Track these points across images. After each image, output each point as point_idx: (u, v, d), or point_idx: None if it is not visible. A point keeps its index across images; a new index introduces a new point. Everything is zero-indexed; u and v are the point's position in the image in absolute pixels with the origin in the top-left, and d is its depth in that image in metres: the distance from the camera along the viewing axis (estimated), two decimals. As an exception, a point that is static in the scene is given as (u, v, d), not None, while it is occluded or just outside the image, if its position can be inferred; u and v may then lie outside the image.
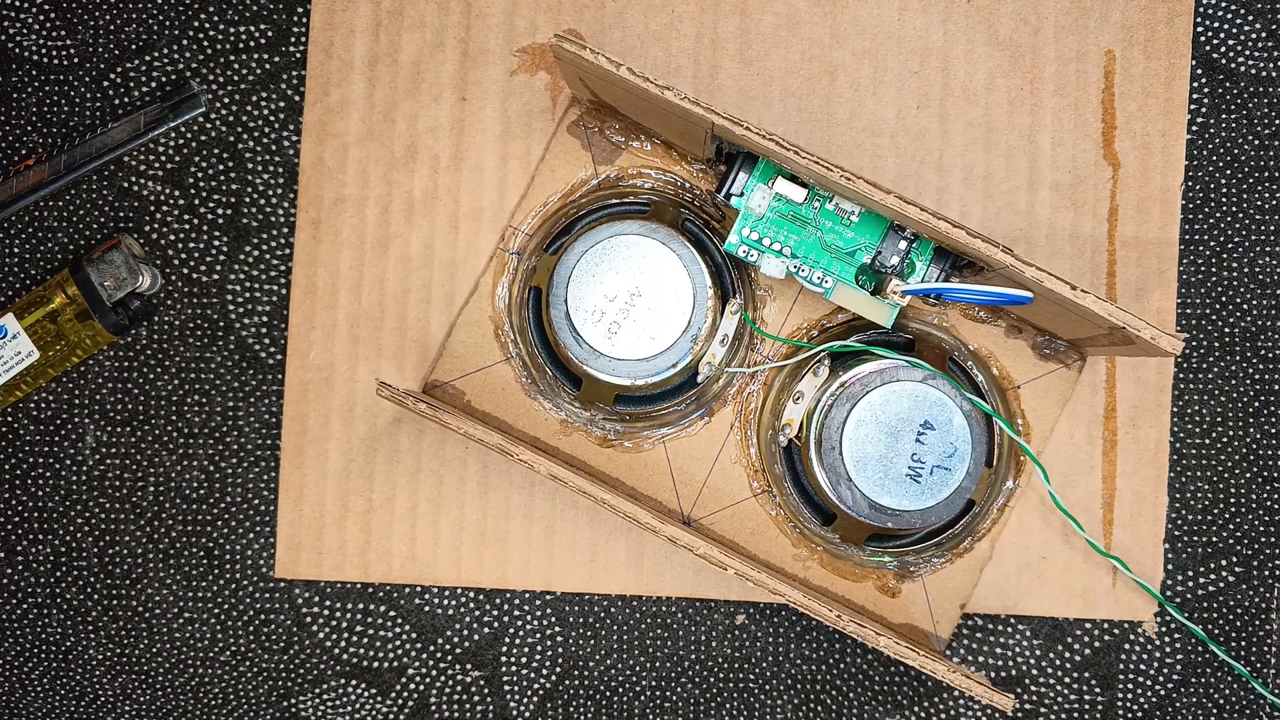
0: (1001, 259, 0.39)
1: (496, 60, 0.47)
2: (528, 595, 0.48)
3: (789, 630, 0.48)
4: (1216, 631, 0.47)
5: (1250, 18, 0.48)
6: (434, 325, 0.47)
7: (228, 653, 0.48)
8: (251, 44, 0.48)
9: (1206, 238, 0.48)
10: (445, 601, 0.48)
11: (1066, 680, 0.47)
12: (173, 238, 0.48)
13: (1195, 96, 0.48)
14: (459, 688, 0.48)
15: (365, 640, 0.48)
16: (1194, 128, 0.48)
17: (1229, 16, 0.48)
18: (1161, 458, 0.47)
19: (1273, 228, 0.48)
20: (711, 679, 0.48)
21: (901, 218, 0.40)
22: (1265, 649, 0.48)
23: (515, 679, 0.48)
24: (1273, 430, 0.48)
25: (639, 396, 0.46)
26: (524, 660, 0.48)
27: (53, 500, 0.48)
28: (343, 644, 0.48)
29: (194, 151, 0.48)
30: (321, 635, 0.48)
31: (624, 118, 0.46)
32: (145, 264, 0.47)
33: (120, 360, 0.48)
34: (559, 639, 0.48)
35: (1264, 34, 0.48)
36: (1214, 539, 0.47)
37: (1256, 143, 0.48)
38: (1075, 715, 0.48)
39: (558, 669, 0.48)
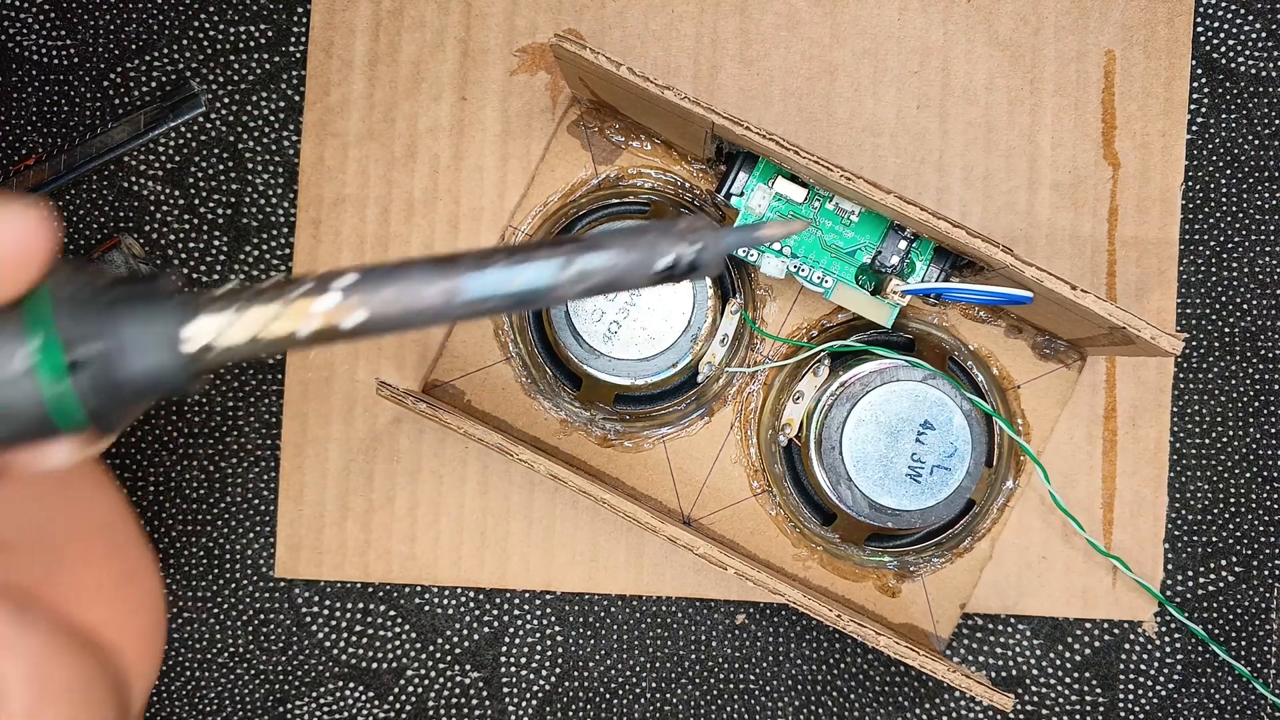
0: (1001, 259, 0.39)
1: (496, 60, 0.47)
2: (527, 595, 0.48)
3: (789, 630, 0.48)
4: (1217, 631, 0.47)
5: (1250, 18, 0.48)
6: (434, 325, 0.47)
7: (225, 654, 0.48)
8: (251, 44, 0.48)
9: (1206, 238, 0.48)
10: (445, 601, 0.48)
11: (1067, 680, 0.47)
12: (173, 238, 0.48)
13: (1195, 96, 0.48)
14: (458, 689, 0.48)
15: (364, 640, 0.48)
16: (1194, 128, 0.48)
17: (1229, 16, 0.48)
18: (1161, 458, 0.47)
19: (1273, 228, 0.48)
20: (712, 679, 0.48)
21: (901, 217, 0.40)
22: (1265, 649, 0.48)
23: (514, 680, 0.48)
24: (1273, 430, 0.48)
25: (639, 396, 0.46)
26: (523, 660, 0.48)
27: (52, 500, 0.48)
28: (341, 644, 0.48)
29: (194, 151, 0.48)
30: (320, 635, 0.48)
31: (624, 118, 0.46)
32: (145, 264, 0.47)
33: (120, 360, 0.48)
34: (559, 639, 0.48)
35: (1264, 34, 0.48)
36: (1214, 539, 0.47)
37: (1256, 143, 0.48)
38: (1076, 715, 0.47)
39: (557, 669, 0.48)
